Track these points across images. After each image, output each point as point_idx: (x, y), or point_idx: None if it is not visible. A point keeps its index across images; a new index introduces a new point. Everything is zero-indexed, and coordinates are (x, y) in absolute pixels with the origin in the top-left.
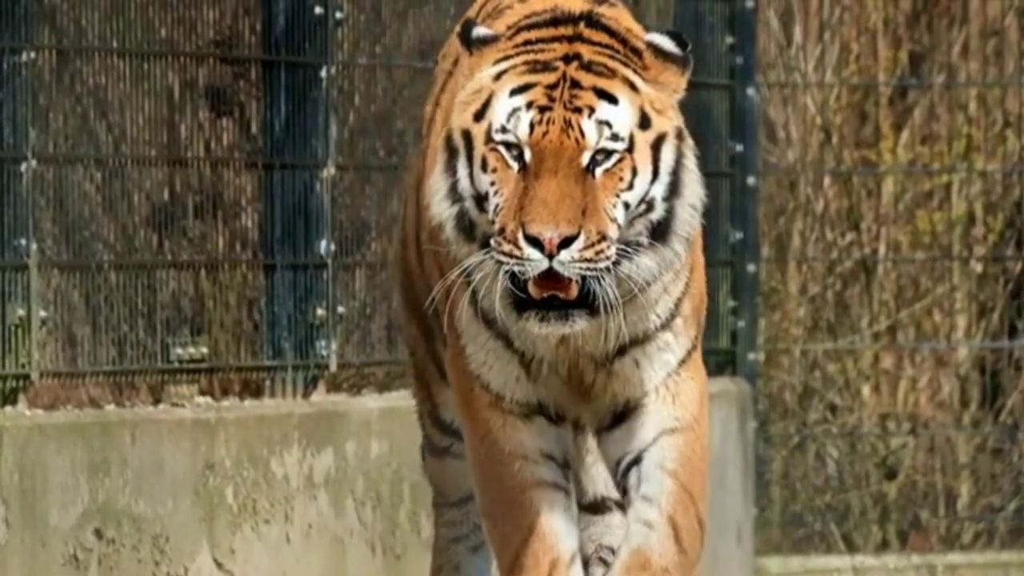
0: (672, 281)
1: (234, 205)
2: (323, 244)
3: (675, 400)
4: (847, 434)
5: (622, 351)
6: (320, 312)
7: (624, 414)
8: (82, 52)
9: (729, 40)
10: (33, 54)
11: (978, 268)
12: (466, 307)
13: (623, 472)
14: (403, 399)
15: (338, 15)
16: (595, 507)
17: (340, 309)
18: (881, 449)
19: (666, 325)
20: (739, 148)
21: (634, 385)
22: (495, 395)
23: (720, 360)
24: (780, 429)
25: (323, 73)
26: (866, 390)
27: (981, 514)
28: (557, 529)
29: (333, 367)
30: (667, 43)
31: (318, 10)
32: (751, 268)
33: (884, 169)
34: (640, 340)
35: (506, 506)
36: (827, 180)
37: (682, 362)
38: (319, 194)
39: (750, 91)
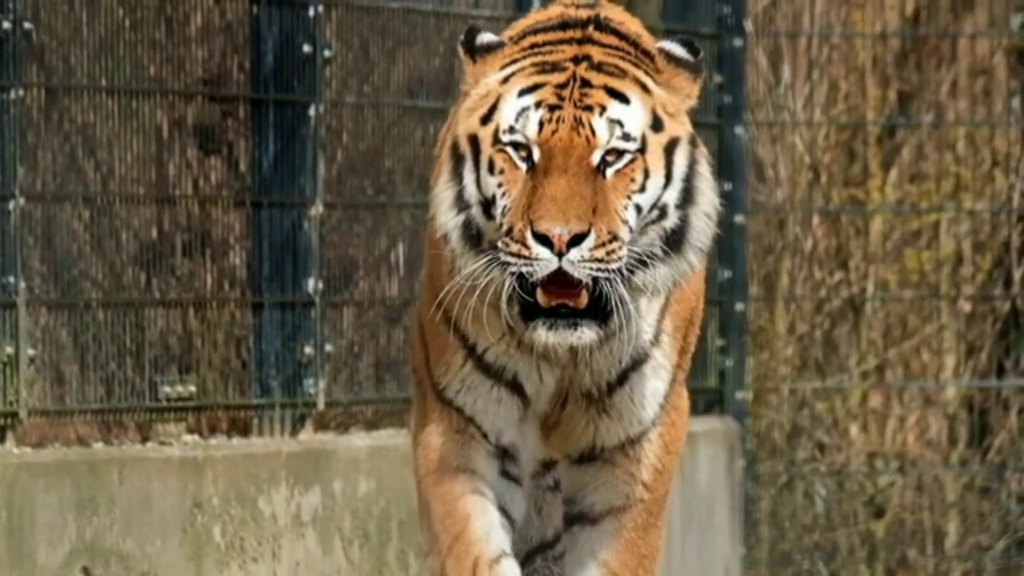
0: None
1: (222, 243)
2: (311, 282)
3: (636, 471)
4: (835, 473)
5: (624, 376)
6: (308, 350)
7: (591, 456)
8: (71, 90)
9: (718, 79)
10: (22, 92)
11: (966, 307)
12: (462, 361)
13: (567, 520)
14: (391, 437)
15: (326, 53)
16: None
17: (328, 347)
18: (869, 488)
19: (656, 339)
20: (728, 187)
21: (629, 419)
22: (483, 436)
23: (708, 399)
24: (768, 468)
25: (311, 111)
26: (854, 429)
27: (969, 553)
28: (480, 530)
29: (321, 405)
30: (679, 49)
31: (306, 48)
32: (739, 307)
33: (872, 208)
34: (638, 359)
35: (439, 514)
36: (815, 219)
37: (665, 398)
38: (307, 232)
39: (738, 130)
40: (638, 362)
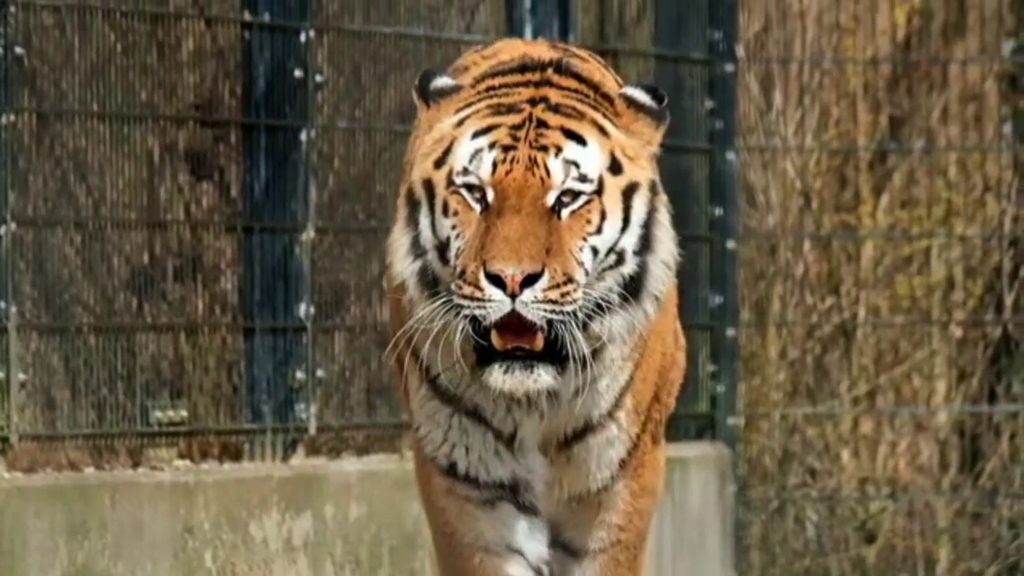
0: (620, 367)
1: (213, 268)
2: (302, 307)
3: (611, 510)
4: (826, 498)
5: (580, 435)
6: (299, 375)
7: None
8: (62, 115)
9: (709, 104)
10: (13, 117)
11: (957, 333)
12: (418, 386)
13: (551, 542)
14: (382, 463)
15: (318, 78)
16: None
17: (319, 372)
18: (860, 513)
19: (612, 415)
20: (719, 212)
21: (586, 476)
22: (462, 477)
23: (700, 424)
24: (759, 493)
25: (303, 136)
26: (845, 454)
27: None
28: None
29: (312, 430)
30: (641, 95)
31: (298, 73)
32: (731, 332)
33: (864, 233)
34: (591, 426)
35: None
36: (807, 244)
37: (623, 463)
38: (298, 257)
39: (730, 155)
40: (590, 429)
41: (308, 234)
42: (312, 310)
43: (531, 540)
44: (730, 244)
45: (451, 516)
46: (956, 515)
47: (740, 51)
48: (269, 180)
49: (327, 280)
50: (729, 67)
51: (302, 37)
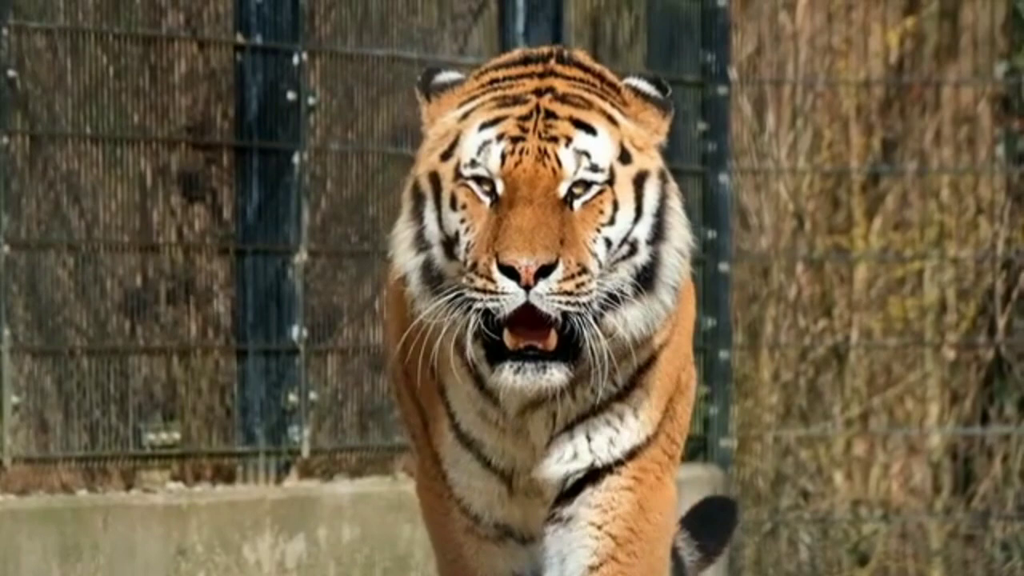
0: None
1: (206, 291)
2: (295, 330)
3: (605, 523)
4: (819, 520)
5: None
6: (292, 398)
7: (556, 515)
8: (55, 138)
9: (702, 127)
10: (6, 139)
11: (950, 355)
12: (447, 431)
13: None
14: (375, 485)
15: (311, 101)
16: None
17: (312, 395)
18: (853, 535)
19: (622, 396)
20: (712, 235)
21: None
22: (474, 518)
23: (692, 446)
24: (753, 515)
25: (295, 159)
26: (838, 476)
27: None
28: None
29: (305, 453)
30: (645, 85)
31: (291, 96)
32: (724, 355)
33: (857, 256)
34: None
35: None
36: (800, 267)
37: (632, 455)
38: (291, 280)
39: (723, 178)
40: (589, 413)
41: (301, 256)
42: (305, 332)
43: (530, 562)
44: (723, 266)
45: (467, 551)
46: (949, 537)
47: (733, 73)
48: (262, 202)
49: (320, 302)
50: (722, 89)
51: (295, 59)
